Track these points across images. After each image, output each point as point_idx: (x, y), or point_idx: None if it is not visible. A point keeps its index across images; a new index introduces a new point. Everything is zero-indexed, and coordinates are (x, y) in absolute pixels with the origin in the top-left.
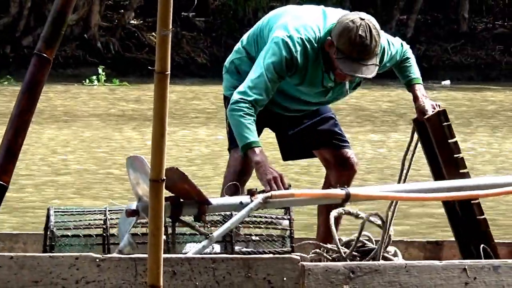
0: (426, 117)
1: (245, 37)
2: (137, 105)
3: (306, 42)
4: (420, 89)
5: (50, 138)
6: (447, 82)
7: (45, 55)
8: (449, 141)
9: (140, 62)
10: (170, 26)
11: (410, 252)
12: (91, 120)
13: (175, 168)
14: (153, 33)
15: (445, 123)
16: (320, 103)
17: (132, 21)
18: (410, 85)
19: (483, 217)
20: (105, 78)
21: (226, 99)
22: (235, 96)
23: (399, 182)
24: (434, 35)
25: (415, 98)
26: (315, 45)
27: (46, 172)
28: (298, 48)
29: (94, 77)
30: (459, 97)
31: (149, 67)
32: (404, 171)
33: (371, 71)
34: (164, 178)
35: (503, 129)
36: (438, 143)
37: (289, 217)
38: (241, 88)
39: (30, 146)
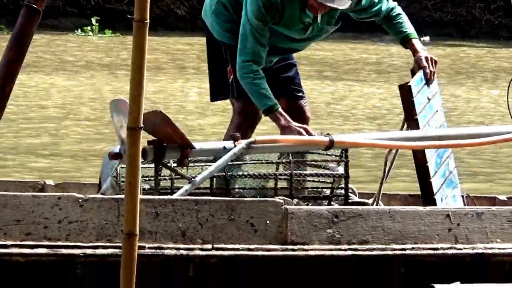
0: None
1: None
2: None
3: None
4: (417, 43)
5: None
6: (427, 38)
7: (34, 6)
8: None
9: (119, 13)
10: None
11: (392, 205)
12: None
13: (158, 111)
14: None
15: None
16: (304, 40)
17: None
18: (406, 41)
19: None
20: (98, 29)
21: (223, 44)
22: (238, 64)
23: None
24: None
25: (415, 51)
26: None
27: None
28: None
29: (89, 28)
30: (438, 53)
31: (127, 16)
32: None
33: (344, 2)
34: (142, 126)
35: (482, 84)
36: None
37: (345, 160)
38: (239, 50)
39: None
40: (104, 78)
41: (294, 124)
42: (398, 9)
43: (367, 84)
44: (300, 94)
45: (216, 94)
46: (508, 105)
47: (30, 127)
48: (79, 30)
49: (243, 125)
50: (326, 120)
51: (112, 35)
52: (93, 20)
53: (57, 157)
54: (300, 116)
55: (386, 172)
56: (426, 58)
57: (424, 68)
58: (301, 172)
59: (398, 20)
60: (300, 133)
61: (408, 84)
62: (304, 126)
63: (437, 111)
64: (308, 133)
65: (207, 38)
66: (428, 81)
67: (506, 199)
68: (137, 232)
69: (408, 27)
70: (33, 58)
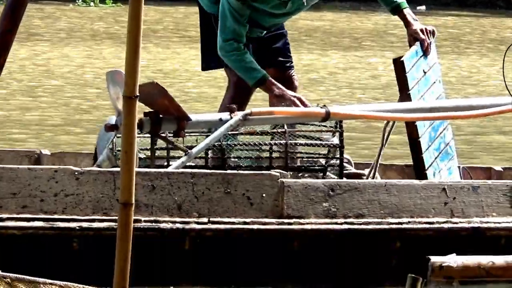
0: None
1: None
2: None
3: None
4: (409, 13)
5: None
6: (423, 7)
7: None
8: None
9: None
10: None
11: (389, 176)
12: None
13: (155, 82)
14: None
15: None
16: (286, 14)
17: None
18: (398, 11)
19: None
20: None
21: (213, 16)
22: (219, 43)
23: None
24: None
25: (408, 24)
26: None
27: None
28: None
29: None
30: (434, 23)
31: None
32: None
33: None
34: (138, 95)
35: (479, 54)
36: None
37: (340, 130)
38: (219, 31)
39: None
40: (114, 48)
41: (289, 92)
42: None
43: (371, 53)
44: (288, 64)
45: (208, 62)
46: (504, 76)
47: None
48: (80, 1)
49: (237, 96)
50: (333, 91)
51: (114, 4)
52: None
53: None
54: (288, 86)
55: (383, 142)
56: (422, 30)
57: (421, 41)
58: (296, 142)
59: None
60: (294, 102)
61: (401, 59)
62: (298, 95)
63: (434, 82)
64: (303, 103)
65: (199, 9)
66: (425, 53)
67: (502, 169)
68: (133, 201)
69: None
70: (31, 30)
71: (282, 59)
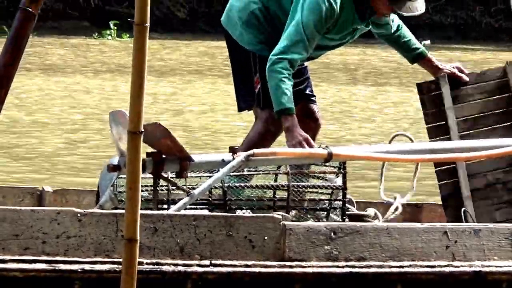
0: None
1: None
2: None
3: None
4: (433, 58)
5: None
6: (428, 41)
7: (29, 9)
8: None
9: (120, 15)
10: None
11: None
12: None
13: (157, 123)
14: None
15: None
16: (337, 46)
17: None
18: (423, 57)
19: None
20: (116, 33)
21: (253, 54)
22: (273, 57)
23: None
24: None
25: (436, 68)
26: None
27: None
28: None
29: (108, 32)
30: (439, 57)
31: (128, 19)
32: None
33: (420, 6)
34: (142, 130)
35: None
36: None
37: (343, 172)
38: (280, 47)
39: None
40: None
41: (299, 131)
42: (405, 27)
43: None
44: (313, 98)
45: (243, 103)
46: None
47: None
48: (96, 34)
49: (267, 133)
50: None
51: (129, 38)
52: (111, 24)
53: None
54: (311, 120)
55: (381, 179)
56: (459, 69)
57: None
58: (298, 184)
59: (409, 37)
60: (300, 143)
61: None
62: (306, 136)
63: None
64: (309, 144)
65: (231, 47)
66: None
67: None
68: (138, 237)
69: (417, 43)
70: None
71: (308, 92)
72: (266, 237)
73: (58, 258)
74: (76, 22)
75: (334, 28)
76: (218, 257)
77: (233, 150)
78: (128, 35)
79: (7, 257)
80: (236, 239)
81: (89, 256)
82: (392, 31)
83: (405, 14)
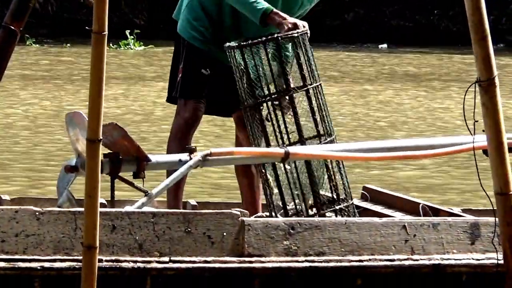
0: None
1: None
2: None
3: None
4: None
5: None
6: (384, 45)
7: (12, 27)
8: None
9: (78, 22)
10: None
11: None
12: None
13: (114, 123)
14: None
15: None
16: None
17: None
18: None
19: None
20: (136, 42)
21: (182, 39)
22: None
23: None
24: None
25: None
26: None
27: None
28: None
29: (126, 41)
30: (396, 61)
31: (86, 27)
32: None
33: None
34: (101, 138)
35: (439, 91)
36: None
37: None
38: None
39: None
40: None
41: (289, 18)
42: None
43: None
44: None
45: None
46: (464, 114)
47: None
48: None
49: (184, 125)
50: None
51: (144, 47)
52: (127, 33)
53: None
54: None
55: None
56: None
57: None
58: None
59: None
60: (295, 24)
61: None
62: (295, 20)
63: None
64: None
65: (175, 40)
66: None
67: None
68: (97, 245)
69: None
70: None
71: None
72: (225, 233)
73: (17, 256)
74: (33, 31)
75: None
76: (177, 254)
77: (189, 150)
78: (142, 44)
79: None
80: (195, 235)
81: (48, 254)
82: None
83: None
